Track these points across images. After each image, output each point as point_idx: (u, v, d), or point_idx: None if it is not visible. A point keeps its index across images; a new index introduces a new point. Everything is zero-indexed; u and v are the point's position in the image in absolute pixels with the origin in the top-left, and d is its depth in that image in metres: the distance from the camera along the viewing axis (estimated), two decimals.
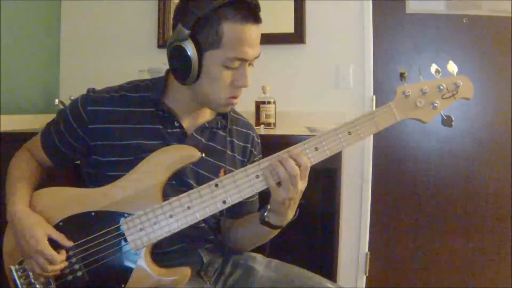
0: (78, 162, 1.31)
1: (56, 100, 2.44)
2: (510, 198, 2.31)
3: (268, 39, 2.42)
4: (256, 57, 1.17)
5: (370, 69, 2.34)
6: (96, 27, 2.63)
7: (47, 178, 1.31)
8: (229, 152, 1.29)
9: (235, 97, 1.18)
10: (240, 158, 1.32)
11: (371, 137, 2.38)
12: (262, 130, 2.20)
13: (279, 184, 1.09)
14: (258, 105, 2.26)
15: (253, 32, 1.13)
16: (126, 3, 2.59)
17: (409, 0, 2.35)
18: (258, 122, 2.25)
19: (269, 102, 2.26)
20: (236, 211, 1.30)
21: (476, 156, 2.35)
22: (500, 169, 2.33)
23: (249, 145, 1.35)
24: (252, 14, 1.12)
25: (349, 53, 2.37)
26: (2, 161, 1.34)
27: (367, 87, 2.34)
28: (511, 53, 2.28)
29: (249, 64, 1.17)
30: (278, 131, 2.23)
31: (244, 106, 2.32)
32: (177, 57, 1.13)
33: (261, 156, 1.39)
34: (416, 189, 2.42)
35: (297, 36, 2.40)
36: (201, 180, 1.20)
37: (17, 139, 1.94)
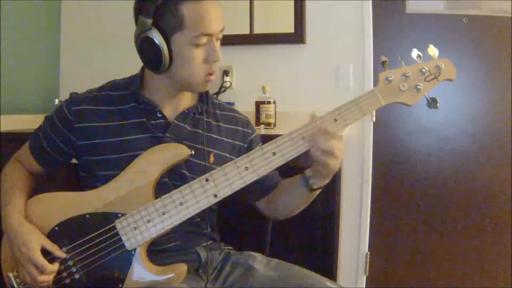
0: (76, 161, 1.32)
1: (56, 100, 2.44)
2: (510, 198, 2.31)
3: (268, 39, 2.46)
4: (221, 31, 1.20)
5: (370, 69, 2.34)
6: (96, 27, 2.63)
7: (47, 182, 1.33)
8: (215, 136, 1.30)
9: (211, 74, 1.21)
10: (230, 140, 1.33)
11: (371, 137, 2.38)
12: (262, 130, 2.20)
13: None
14: (258, 105, 2.26)
15: (211, 7, 1.16)
16: (126, 3, 2.57)
17: (409, 0, 2.35)
18: (258, 122, 2.25)
19: (269, 102, 2.26)
20: (261, 189, 1.32)
21: (476, 156, 2.35)
22: (500, 169, 2.33)
23: (240, 128, 1.36)
24: None
25: (349, 53, 2.37)
26: (2, 161, 1.35)
27: (367, 87, 2.34)
28: (511, 53, 2.27)
29: (217, 39, 1.20)
30: (278, 131, 2.23)
31: (244, 106, 2.34)
32: (146, 48, 1.16)
33: (256, 133, 1.41)
34: (416, 189, 2.41)
35: (297, 36, 2.40)
36: (192, 168, 1.22)
37: (17, 139, 1.95)
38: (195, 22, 1.14)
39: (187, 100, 1.30)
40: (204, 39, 1.16)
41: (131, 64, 2.46)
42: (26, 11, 2.41)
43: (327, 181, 1.21)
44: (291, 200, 1.29)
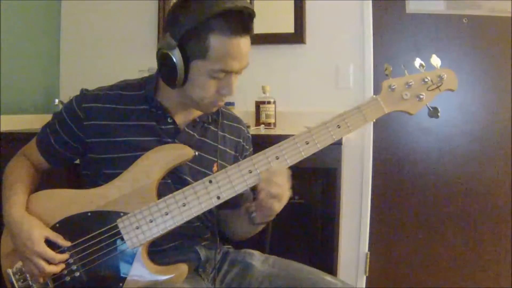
0: (77, 162, 1.32)
1: (56, 100, 2.45)
2: (510, 198, 2.31)
3: (268, 39, 2.46)
4: (244, 68, 1.18)
5: (370, 69, 2.34)
6: (96, 27, 2.63)
7: (47, 180, 1.33)
8: (221, 147, 1.30)
9: (220, 101, 1.21)
10: (232, 152, 1.34)
11: (371, 137, 2.39)
12: (262, 130, 2.20)
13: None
14: (258, 105, 2.26)
15: (241, 44, 1.13)
16: (126, 3, 2.59)
17: (409, 0, 2.36)
18: (258, 122, 2.25)
19: (269, 102, 2.26)
20: (231, 202, 1.30)
21: (476, 156, 2.35)
22: (500, 169, 2.33)
23: (241, 140, 1.37)
24: (242, 26, 1.12)
25: (349, 53, 2.37)
26: (2, 161, 1.34)
27: (367, 87, 2.34)
28: (511, 53, 2.28)
29: (236, 73, 1.18)
30: (278, 131, 2.23)
31: (244, 106, 2.34)
32: (164, 64, 1.14)
33: (252, 149, 1.41)
34: (416, 189, 2.42)
35: (297, 36, 2.40)
36: (196, 176, 1.21)
37: (17, 139, 1.95)
38: (220, 57, 1.12)
39: None
40: (222, 74, 1.15)
41: (131, 64, 2.46)
42: (26, 11, 2.41)
43: (270, 219, 1.23)
44: (236, 229, 1.35)
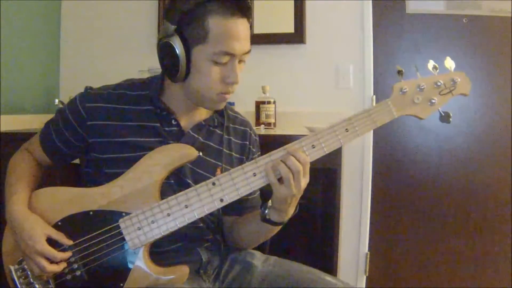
0: (77, 162, 1.32)
1: (56, 100, 2.45)
2: (510, 198, 2.31)
3: (268, 39, 2.46)
4: (246, 53, 1.16)
5: (370, 69, 2.34)
6: (96, 27, 2.64)
7: (47, 178, 1.32)
8: (225, 150, 1.29)
9: (226, 93, 1.18)
10: (238, 156, 1.32)
11: (371, 137, 2.39)
12: (262, 130, 2.20)
13: (280, 181, 1.08)
14: (258, 105, 2.26)
15: (240, 26, 1.13)
16: (126, 3, 2.60)
17: (409, 0, 2.36)
18: (258, 122, 2.25)
19: (269, 102, 2.26)
20: (237, 208, 1.30)
21: (476, 156, 2.35)
22: (500, 169, 2.33)
23: (247, 143, 1.35)
24: (239, 8, 1.12)
25: (349, 53, 2.37)
26: (2, 161, 1.34)
27: (367, 87, 2.34)
28: (511, 53, 2.28)
29: (240, 61, 1.17)
30: (278, 131, 2.23)
31: (244, 106, 2.35)
32: (165, 54, 1.14)
33: (259, 153, 1.40)
34: (416, 189, 2.42)
35: (297, 36, 2.40)
36: (198, 179, 1.20)
37: (17, 139, 1.95)
38: (220, 39, 1.11)
39: (203, 112, 1.28)
40: (225, 58, 1.13)
41: (130, 64, 2.46)
42: (26, 11, 2.41)
43: (285, 217, 1.17)
44: (249, 230, 1.28)
